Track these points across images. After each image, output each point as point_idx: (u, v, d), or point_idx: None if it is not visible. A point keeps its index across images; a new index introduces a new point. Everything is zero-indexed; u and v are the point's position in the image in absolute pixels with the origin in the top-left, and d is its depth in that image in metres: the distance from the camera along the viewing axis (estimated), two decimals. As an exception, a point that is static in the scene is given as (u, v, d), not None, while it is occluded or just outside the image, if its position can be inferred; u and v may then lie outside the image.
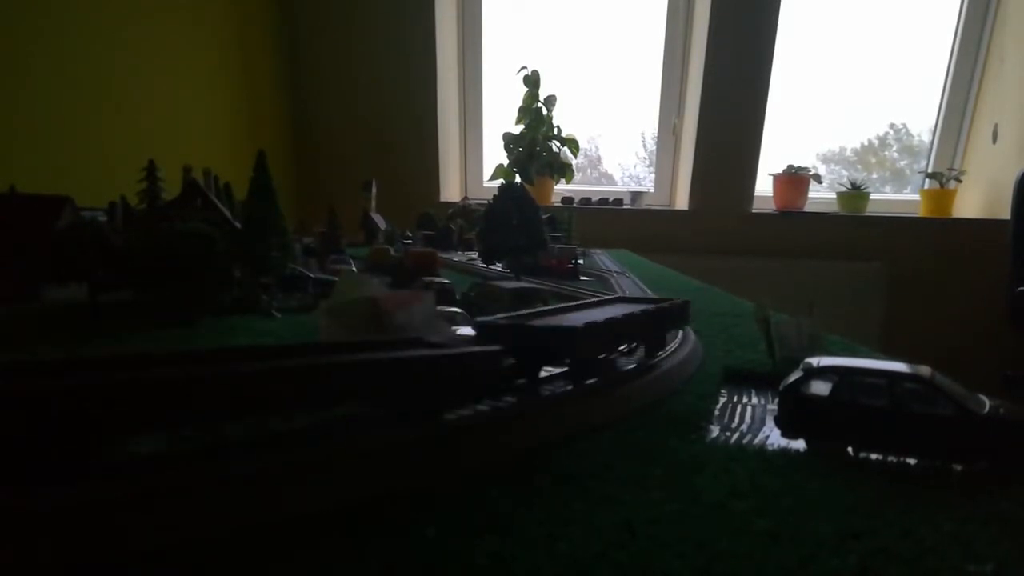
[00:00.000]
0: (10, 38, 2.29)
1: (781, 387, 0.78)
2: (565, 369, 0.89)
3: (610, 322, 0.88)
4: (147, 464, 0.53)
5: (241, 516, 0.53)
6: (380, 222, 3.14)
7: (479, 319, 0.86)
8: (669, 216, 4.76)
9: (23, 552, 0.43)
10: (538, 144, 4.72)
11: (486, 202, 2.05)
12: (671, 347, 1.14)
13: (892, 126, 5.17)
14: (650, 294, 1.84)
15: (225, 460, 0.56)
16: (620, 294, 1.26)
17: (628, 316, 0.92)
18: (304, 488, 0.57)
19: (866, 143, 5.24)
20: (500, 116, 4.89)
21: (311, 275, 1.76)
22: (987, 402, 0.72)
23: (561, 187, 4.89)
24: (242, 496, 0.53)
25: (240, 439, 0.60)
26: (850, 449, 0.74)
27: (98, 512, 0.47)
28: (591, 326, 0.83)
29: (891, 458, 0.73)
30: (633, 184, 5.22)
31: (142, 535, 0.48)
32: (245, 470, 0.55)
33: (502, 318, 0.88)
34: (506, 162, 4.81)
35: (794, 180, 4.57)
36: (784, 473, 0.68)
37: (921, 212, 4.65)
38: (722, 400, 0.99)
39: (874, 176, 5.24)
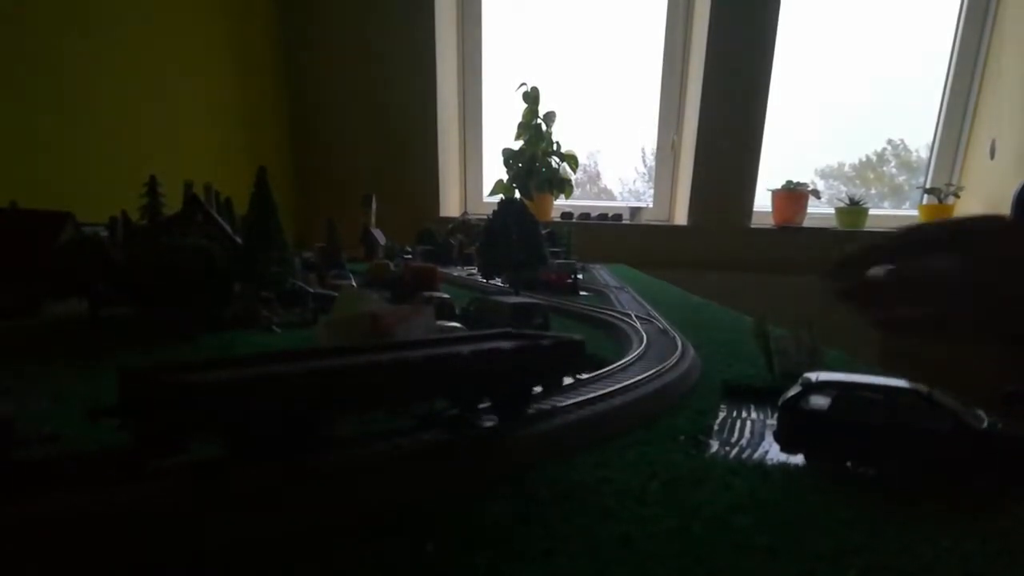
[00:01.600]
0: (10, 53, 2.31)
1: (780, 402, 0.78)
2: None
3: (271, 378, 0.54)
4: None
5: (242, 530, 0.53)
6: (380, 237, 3.15)
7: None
8: (668, 231, 4.77)
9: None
10: (537, 160, 4.74)
11: (486, 217, 2.06)
12: (671, 360, 1.14)
13: (890, 142, 5.20)
14: (650, 310, 1.84)
15: (226, 474, 0.56)
16: (506, 330, 0.89)
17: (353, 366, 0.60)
18: (303, 501, 0.57)
19: (864, 159, 5.26)
20: (500, 132, 4.92)
21: (311, 290, 1.76)
22: (985, 417, 0.72)
23: (560, 202, 4.90)
24: (244, 510, 0.53)
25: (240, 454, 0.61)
26: (849, 464, 0.74)
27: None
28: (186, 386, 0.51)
29: (889, 473, 0.73)
30: (632, 199, 5.24)
31: (138, 547, 0.48)
32: (245, 484, 0.55)
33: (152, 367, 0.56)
34: (506, 177, 4.83)
35: (793, 196, 4.58)
36: (783, 488, 0.68)
37: (920, 228, 4.66)
38: (721, 415, 0.99)
39: (872, 192, 5.25)
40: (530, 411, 0.81)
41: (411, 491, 0.63)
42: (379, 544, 0.54)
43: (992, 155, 4.41)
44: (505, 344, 0.76)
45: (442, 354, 0.69)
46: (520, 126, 4.79)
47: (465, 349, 0.71)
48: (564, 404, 0.86)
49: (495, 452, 0.73)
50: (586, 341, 0.87)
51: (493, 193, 4.94)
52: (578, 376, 0.94)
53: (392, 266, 2.39)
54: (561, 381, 0.84)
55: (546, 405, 0.84)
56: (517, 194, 4.63)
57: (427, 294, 1.63)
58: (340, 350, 0.70)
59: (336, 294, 1.61)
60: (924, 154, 4.97)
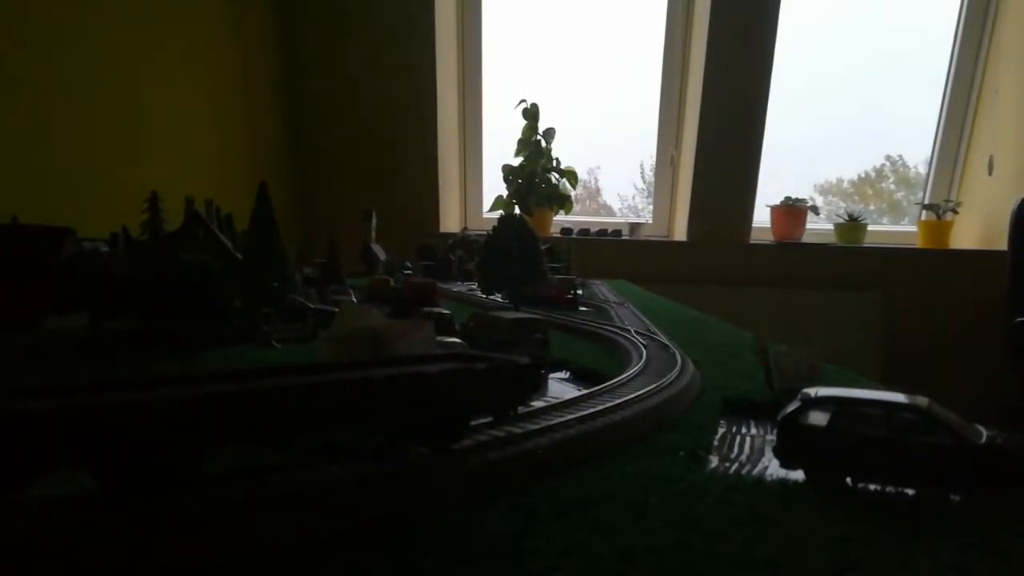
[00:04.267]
0: (12, 70, 2.32)
1: (779, 417, 0.78)
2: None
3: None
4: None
5: (241, 543, 0.53)
6: (380, 252, 3.15)
7: None
8: (667, 247, 4.78)
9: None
10: (537, 176, 4.76)
11: (486, 233, 2.07)
12: (671, 376, 1.14)
13: (888, 158, 5.22)
14: (650, 325, 1.84)
15: (227, 487, 0.57)
16: (452, 352, 0.86)
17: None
18: (304, 515, 0.57)
19: (863, 175, 5.28)
20: (500, 148, 4.93)
21: (311, 305, 1.76)
22: (984, 432, 0.72)
23: (560, 218, 4.92)
24: (244, 523, 0.54)
25: (238, 466, 0.61)
26: (848, 479, 0.74)
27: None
28: None
29: (889, 488, 0.73)
30: (631, 215, 5.25)
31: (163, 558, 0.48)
32: (247, 497, 0.56)
33: None
34: (505, 193, 4.84)
35: (792, 211, 4.60)
36: (783, 503, 0.69)
37: (918, 243, 4.68)
38: (721, 430, 0.99)
39: (871, 207, 5.27)
40: (472, 440, 0.74)
41: (294, 532, 0.55)
42: (378, 558, 0.54)
43: (990, 171, 4.43)
44: (428, 368, 0.68)
45: (345, 379, 0.62)
46: (520, 142, 4.82)
47: (380, 373, 0.64)
48: (517, 432, 0.79)
49: (402, 488, 0.64)
50: (541, 362, 0.81)
51: (493, 209, 4.96)
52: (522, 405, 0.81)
53: (392, 281, 2.39)
54: (508, 408, 0.77)
55: (501, 433, 0.78)
56: (517, 210, 4.65)
57: (427, 309, 1.64)
58: (243, 374, 0.65)
59: (336, 309, 1.61)
60: (922, 170, 5.00)
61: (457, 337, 1.35)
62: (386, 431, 0.69)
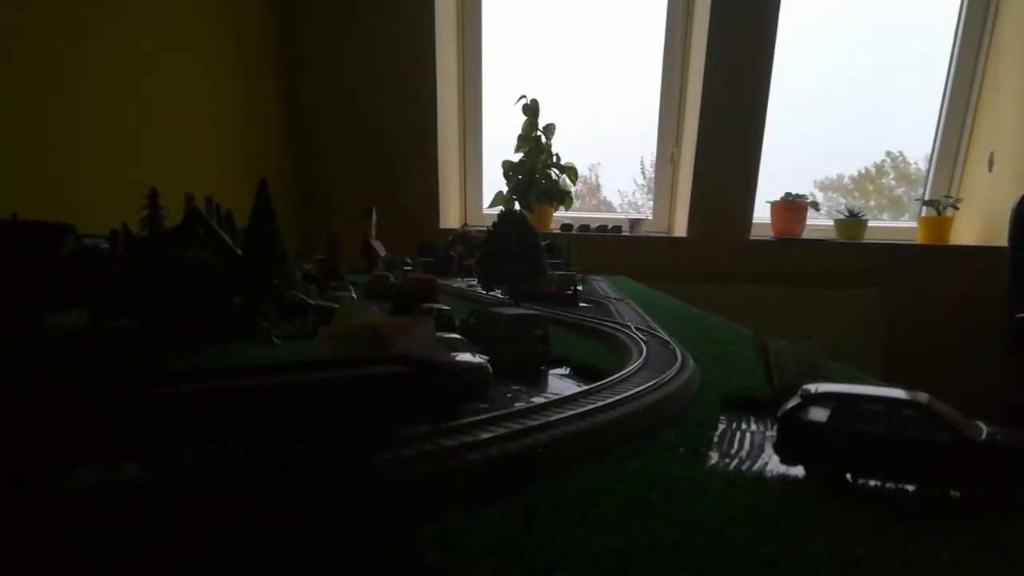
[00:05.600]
0: (10, 66, 2.32)
1: (779, 414, 0.78)
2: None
3: None
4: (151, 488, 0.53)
5: (240, 540, 0.53)
6: (380, 249, 3.15)
7: None
8: (668, 243, 4.78)
9: None
10: (537, 172, 4.75)
11: (486, 229, 2.06)
12: (671, 372, 1.13)
13: (889, 154, 5.22)
14: (650, 321, 1.84)
15: (226, 483, 0.56)
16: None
17: None
18: (301, 512, 0.57)
19: (863, 171, 5.28)
20: (500, 144, 4.93)
21: (311, 302, 1.76)
22: (985, 429, 0.72)
23: (560, 214, 4.92)
24: (241, 520, 0.53)
25: (237, 463, 0.61)
26: (848, 476, 0.74)
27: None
28: None
29: (889, 485, 0.73)
30: (632, 211, 5.25)
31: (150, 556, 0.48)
32: (245, 493, 0.55)
33: None
34: (505, 189, 4.84)
35: (792, 207, 4.59)
36: (783, 500, 0.68)
37: (919, 239, 4.68)
38: (721, 427, 0.99)
39: (871, 203, 5.27)
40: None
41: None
42: (379, 555, 0.54)
43: (990, 167, 4.43)
44: (316, 376, 0.61)
45: (224, 388, 0.54)
46: (520, 138, 4.82)
47: (264, 382, 0.57)
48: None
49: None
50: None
51: (493, 205, 4.96)
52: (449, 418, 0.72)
53: (392, 278, 2.39)
54: (446, 418, 0.70)
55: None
56: (517, 206, 4.65)
57: (427, 306, 1.63)
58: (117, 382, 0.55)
59: (336, 306, 1.61)
60: (923, 166, 4.99)
61: (457, 333, 1.35)
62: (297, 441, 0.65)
